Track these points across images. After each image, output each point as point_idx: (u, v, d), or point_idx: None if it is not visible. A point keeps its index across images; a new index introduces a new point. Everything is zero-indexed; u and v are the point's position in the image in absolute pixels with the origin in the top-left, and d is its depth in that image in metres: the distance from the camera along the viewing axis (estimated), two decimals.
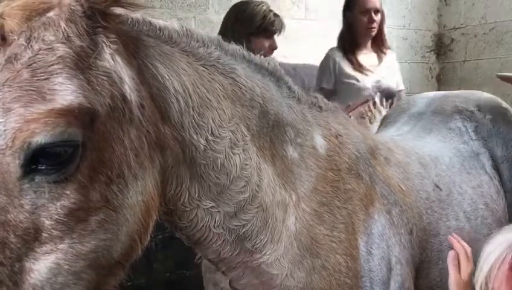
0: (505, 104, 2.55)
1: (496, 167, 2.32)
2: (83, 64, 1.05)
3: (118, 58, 1.13)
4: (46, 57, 1.02)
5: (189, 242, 1.42)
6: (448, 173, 2.13)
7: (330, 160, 1.62)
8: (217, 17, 3.63)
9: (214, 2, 4.44)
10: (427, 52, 5.94)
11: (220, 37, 1.45)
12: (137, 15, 1.27)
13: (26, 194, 0.98)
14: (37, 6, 1.07)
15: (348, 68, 3.79)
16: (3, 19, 1.04)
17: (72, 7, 1.08)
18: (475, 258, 1.55)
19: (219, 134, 1.32)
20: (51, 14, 1.07)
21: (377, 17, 3.78)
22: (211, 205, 1.34)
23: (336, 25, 4.27)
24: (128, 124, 1.12)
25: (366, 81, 3.75)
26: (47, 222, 0.99)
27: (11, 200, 0.97)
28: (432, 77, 5.96)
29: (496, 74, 3.03)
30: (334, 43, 4.04)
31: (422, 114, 2.54)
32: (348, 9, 3.89)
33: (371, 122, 3.61)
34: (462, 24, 5.75)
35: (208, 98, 1.32)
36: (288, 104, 1.57)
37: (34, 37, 1.03)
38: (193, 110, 1.28)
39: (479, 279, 1.42)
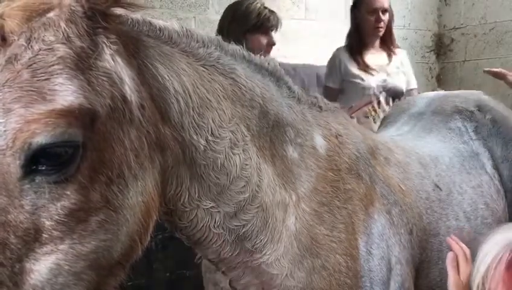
0: (504, 104, 2.55)
1: (496, 167, 2.32)
2: (83, 64, 1.05)
3: (118, 59, 1.13)
4: (47, 57, 1.02)
5: (189, 242, 1.42)
6: (448, 173, 2.13)
7: (330, 160, 1.62)
8: (217, 17, 3.63)
9: (214, 2, 4.45)
10: (427, 52, 5.94)
11: (219, 38, 1.45)
12: (137, 15, 1.27)
13: (27, 195, 0.98)
14: (37, 6, 1.07)
15: (353, 67, 3.79)
16: (4, 19, 1.04)
17: (73, 8, 1.08)
18: (474, 259, 1.55)
19: (219, 134, 1.32)
20: (51, 14, 1.07)
21: (385, 17, 3.77)
22: (210, 205, 1.34)
23: (336, 25, 4.27)
24: (128, 125, 1.12)
25: (371, 81, 3.75)
26: (47, 223, 0.99)
27: (11, 201, 0.97)
28: (432, 77, 5.96)
29: (483, 69, 3.01)
30: (334, 43, 4.05)
31: (422, 114, 2.54)
32: (355, 8, 3.89)
33: (375, 122, 3.61)
34: (462, 24, 5.75)
35: (207, 98, 1.32)
36: (288, 104, 1.57)
37: (34, 38, 1.03)
38: (193, 110, 1.28)
39: (476, 279, 1.42)
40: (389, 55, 3.89)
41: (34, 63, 1.00)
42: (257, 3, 3.23)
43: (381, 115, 3.63)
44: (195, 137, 1.28)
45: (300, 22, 5.02)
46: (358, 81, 3.77)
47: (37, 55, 1.01)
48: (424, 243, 1.85)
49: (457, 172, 2.17)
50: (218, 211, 1.35)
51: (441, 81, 5.74)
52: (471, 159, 2.28)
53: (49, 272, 0.99)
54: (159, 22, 1.33)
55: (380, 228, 1.66)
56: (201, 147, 1.29)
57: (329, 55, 4.04)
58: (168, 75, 1.25)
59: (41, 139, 0.96)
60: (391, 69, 3.85)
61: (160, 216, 1.27)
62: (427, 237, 1.87)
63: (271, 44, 3.29)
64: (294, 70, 4.21)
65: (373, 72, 3.77)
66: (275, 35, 3.32)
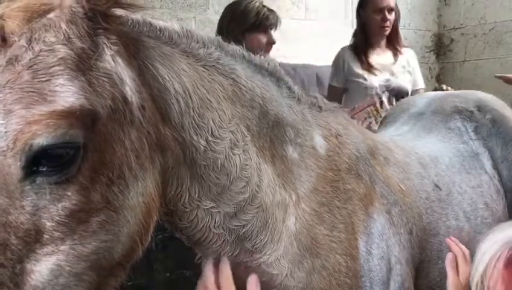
0: (504, 104, 2.55)
1: (496, 167, 2.32)
2: (83, 65, 1.05)
3: (119, 60, 1.13)
4: (47, 58, 1.02)
5: (190, 242, 1.43)
6: (448, 172, 2.14)
7: (330, 160, 1.62)
8: (217, 17, 3.64)
9: (214, 2, 4.45)
10: (427, 52, 5.95)
11: (219, 38, 1.46)
12: (137, 16, 1.27)
13: (28, 196, 0.98)
14: (38, 7, 1.07)
15: (356, 67, 3.80)
16: (4, 20, 1.04)
17: (73, 9, 1.08)
18: (473, 259, 1.55)
19: (219, 135, 1.33)
20: (51, 15, 1.07)
21: (391, 16, 3.77)
22: (211, 205, 1.34)
23: (336, 25, 4.28)
24: (129, 126, 1.12)
25: (374, 80, 3.75)
26: (48, 224, 0.99)
27: (12, 202, 0.97)
28: (432, 77, 5.97)
29: (495, 74, 3.02)
30: (334, 43, 4.06)
31: (422, 114, 2.54)
32: (361, 8, 3.89)
33: (376, 122, 3.61)
34: (461, 24, 5.76)
35: (208, 98, 1.32)
36: (288, 105, 1.57)
37: (35, 39, 1.03)
38: (193, 111, 1.28)
39: (475, 277, 1.42)
40: (395, 55, 3.89)
41: (35, 64, 1.00)
42: (256, 2, 3.23)
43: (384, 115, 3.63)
44: (195, 137, 1.29)
45: (300, 22, 5.03)
46: (361, 80, 3.77)
47: (38, 56, 1.01)
48: (423, 243, 1.85)
49: (457, 172, 2.18)
50: (218, 211, 1.35)
51: (441, 81, 5.74)
52: (471, 159, 2.28)
53: (50, 272, 0.99)
54: (159, 23, 1.33)
55: (380, 228, 1.66)
56: (202, 147, 1.30)
57: (329, 55, 4.04)
58: (168, 76, 1.25)
59: (42, 140, 0.96)
60: (396, 68, 3.85)
61: (160, 217, 1.27)
62: (426, 237, 1.87)
63: (271, 43, 3.28)
64: (294, 70, 4.22)
65: (376, 72, 3.77)
66: (275, 34, 3.32)
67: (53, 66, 1.01)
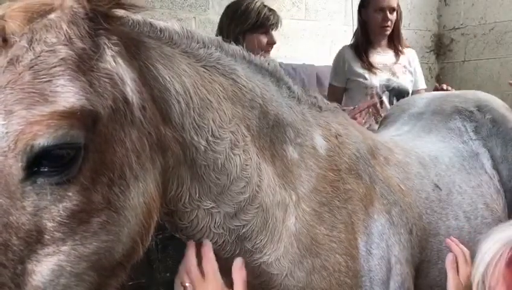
0: (504, 104, 2.55)
1: (496, 167, 2.32)
2: (84, 66, 1.05)
3: (120, 60, 1.13)
4: (48, 59, 1.01)
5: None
6: (448, 172, 2.14)
7: (330, 160, 1.63)
8: (217, 17, 3.64)
9: (214, 2, 4.45)
10: (427, 52, 5.95)
11: (220, 38, 1.46)
12: (138, 16, 1.28)
13: (29, 197, 0.98)
14: (39, 8, 1.07)
15: (357, 66, 3.78)
16: (5, 20, 1.04)
17: (74, 9, 1.08)
18: (473, 260, 1.55)
19: (219, 135, 1.33)
20: (52, 16, 1.07)
21: (392, 16, 3.75)
22: (211, 205, 1.34)
23: (336, 25, 4.27)
24: (129, 126, 1.12)
25: (374, 80, 3.73)
26: (49, 224, 0.99)
27: (13, 203, 0.97)
28: (432, 77, 5.97)
29: (509, 81, 3.01)
30: (334, 43, 4.06)
31: (422, 114, 2.54)
32: (363, 6, 3.87)
33: (377, 122, 3.60)
34: (461, 24, 5.76)
35: (208, 99, 1.32)
36: (288, 105, 1.57)
37: (36, 39, 1.03)
38: (194, 111, 1.28)
39: (476, 277, 1.42)
40: (397, 54, 3.87)
41: (36, 65, 1.00)
42: (257, 2, 3.20)
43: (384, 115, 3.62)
44: (195, 138, 1.29)
45: (300, 22, 5.03)
46: (361, 80, 3.75)
47: (39, 56, 1.01)
48: (423, 243, 1.86)
49: (457, 172, 2.18)
50: (219, 212, 1.35)
51: (441, 81, 5.73)
52: (471, 159, 2.28)
53: (51, 273, 0.99)
54: (160, 23, 1.33)
55: (380, 228, 1.66)
56: (202, 147, 1.30)
57: (329, 55, 4.04)
58: (169, 76, 1.25)
59: (43, 141, 0.96)
60: (398, 68, 3.83)
61: (160, 217, 1.27)
62: (426, 237, 1.88)
63: (271, 43, 3.26)
64: (294, 70, 4.22)
65: (377, 71, 3.75)
66: (275, 34, 3.31)
67: (54, 67, 1.01)
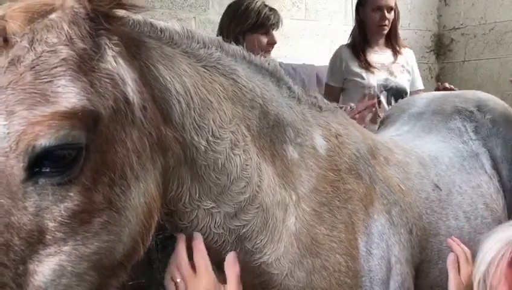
0: (504, 104, 2.55)
1: (496, 167, 2.32)
2: (85, 66, 1.05)
3: (121, 60, 1.13)
4: (49, 59, 1.01)
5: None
6: (448, 172, 2.14)
7: (330, 160, 1.63)
8: (217, 17, 3.64)
9: (214, 2, 4.45)
10: (427, 52, 5.96)
11: (220, 38, 1.46)
12: (138, 16, 1.28)
13: (30, 197, 0.98)
14: (40, 8, 1.07)
15: (354, 66, 3.77)
16: (6, 21, 1.04)
17: (75, 9, 1.08)
18: (474, 259, 1.55)
19: (220, 135, 1.33)
20: (53, 16, 1.07)
21: (390, 15, 3.74)
22: (211, 205, 1.34)
23: (336, 25, 4.27)
24: (130, 126, 1.12)
25: (371, 79, 3.72)
26: (51, 224, 0.99)
27: (15, 203, 0.97)
28: (432, 77, 5.97)
29: (510, 78, 3.00)
30: (334, 43, 4.05)
31: (422, 114, 2.54)
32: (360, 5, 3.86)
33: (375, 123, 3.59)
34: (461, 24, 5.76)
35: (208, 99, 1.32)
36: (288, 105, 1.58)
37: (37, 40, 1.03)
38: (194, 111, 1.29)
39: (477, 276, 1.42)
40: (394, 54, 3.86)
41: (37, 65, 1.00)
42: (257, 1, 3.18)
43: (382, 115, 3.61)
44: (196, 138, 1.29)
45: (300, 22, 5.04)
46: (359, 79, 3.74)
47: (40, 57, 1.01)
48: (423, 243, 1.86)
49: (457, 172, 2.18)
50: (219, 212, 1.36)
51: (441, 81, 5.74)
52: (471, 159, 2.29)
53: (52, 273, 0.99)
54: (160, 23, 1.33)
55: (380, 228, 1.66)
56: (202, 147, 1.30)
57: (329, 55, 4.03)
58: (169, 77, 1.25)
59: (45, 141, 0.96)
60: (396, 67, 3.82)
61: (161, 217, 1.27)
62: (426, 237, 1.88)
63: (272, 43, 3.24)
64: (294, 70, 4.22)
65: (374, 71, 3.73)
66: (275, 34, 3.30)
67: (55, 67, 1.01)
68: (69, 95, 1.00)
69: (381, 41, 3.85)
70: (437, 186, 2.03)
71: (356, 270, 1.57)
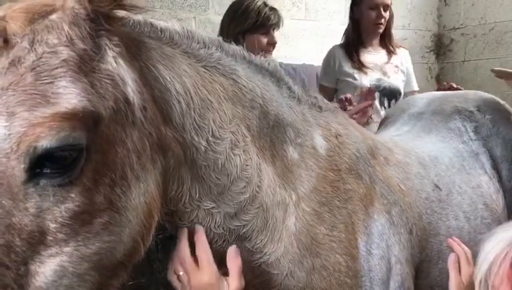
0: (504, 104, 2.55)
1: (496, 167, 2.32)
2: (86, 67, 1.05)
3: (121, 61, 1.13)
4: (50, 60, 1.02)
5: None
6: (448, 173, 2.14)
7: (330, 160, 1.63)
8: (217, 17, 3.64)
9: (214, 2, 4.46)
10: (427, 52, 5.96)
11: (220, 38, 1.46)
12: (138, 16, 1.28)
13: (31, 198, 0.98)
14: (40, 9, 1.07)
15: (347, 66, 3.72)
16: (6, 21, 1.04)
17: (75, 10, 1.08)
18: (475, 259, 1.55)
19: (220, 135, 1.33)
20: (53, 17, 1.07)
21: (386, 14, 3.70)
22: (211, 205, 1.34)
23: (335, 25, 4.27)
24: (130, 127, 1.12)
25: (364, 80, 3.67)
26: (52, 225, 0.99)
27: (16, 204, 0.97)
28: (432, 77, 5.98)
29: (492, 68, 2.99)
30: (334, 43, 4.03)
31: (422, 114, 2.54)
32: (355, 4, 3.81)
33: (367, 123, 3.57)
34: (461, 24, 5.76)
35: (209, 99, 1.32)
36: (288, 105, 1.58)
37: (38, 40, 1.03)
38: (194, 111, 1.29)
39: (479, 276, 1.42)
40: (388, 54, 3.81)
41: (38, 66, 1.00)
42: (257, 1, 3.16)
43: (374, 117, 3.58)
44: (196, 138, 1.29)
45: (300, 22, 5.04)
46: (351, 80, 3.68)
47: (41, 58, 1.01)
48: (423, 243, 1.86)
49: (456, 172, 2.18)
50: (219, 212, 1.36)
51: (441, 81, 5.74)
52: (471, 159, 2.29)
53: (53, 274, 0.99)
54: (160, 23, 1.33)
55: (380, 228, 1.66)
56: (202, 148, 1.30)
57: None
58: (169, 77, 1.25)
59: (46, 142, 0.96)
60: (389, 68, 3.77)
61: (161, 217, 1.27)
62: (426, 237, 1.88)
63: (272, 43, 3.23)
64: (294, 70, 4.21)
65: (367, 71, 3.68)
66: (275, 34, 3.28)
67: (56, 68, 1.01)
68: (70, 96, 1.00)
69: (375, 41, 3.80)
70: (437, 187, 2.03)
71: (356, 270, 1.57)
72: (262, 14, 3.13)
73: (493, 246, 1.42)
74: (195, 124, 1.29)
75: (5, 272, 0.94)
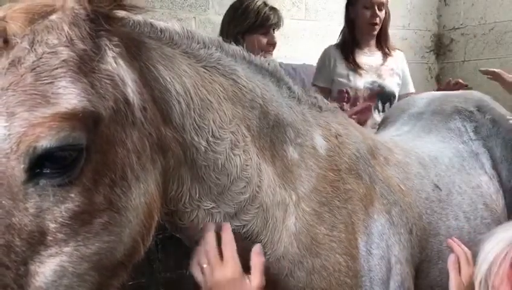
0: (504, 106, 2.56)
1: (495, 167, 2.32)
2: (86, 67, 1.05)
3: (121, 61, 1.13)
4: (50, 60, 1.02)
5: (190, 243, 1.43)
6: (448, 173, 2.14)
7: (330, 160, 1.63)
8: (217, 17, 3.64)
9: (214, 2, 4.45)
10: (427, 52, 5.95)
11: (220, 38, 1.46)
12: (138, 17, 1.28)
13: (31, 198, 0.98)
14: (40, 9, 1.07)
15: (341, 67, 3.68)
16: (6, 22, 1.04)
17: (75, 10, 1.08)
18: (475, 259, 1.55)
19: (220, 135, 1.33)
20: (53, 17, 1.07)
21: (381, 13, 3.64)
22: (211, 205, 1.34)
23: (335, 25, 4.26)
24: (130, 127, 1.12)
25: (358, 81, 3.63)
26: (52, 225, 0.99)
27: (16, 204, 0.97)
28: (432, 77, 5.97)
29: (479, 68, 2.99)
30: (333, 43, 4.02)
31: (421, 114, 2.54)
32: (350, 4, 3.76)
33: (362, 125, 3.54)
34: (461, 24, 5.76)
35: (208, 99, 1.33)
36: (288, 105, 1.58)
37: (38, 41, 1.03)
38: (194, 112, 1.29)
39: (479, 276, 1.42)
40: (384, 56, 3.76)
41: (38, 67, 1.00)
42: (257, 1, 3.15)
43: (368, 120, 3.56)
44: (196, 138, 1.29)
45: (300, 22, 5.04)
46: (345, 81, 3.64)
47: (41, 58, 1.01)
48: (423, 243, 1.86)
49: (456, 172, 2.18)
50: (219, 212, 1.36)
51: (441, 81, 5.74)
52: (471, 159, 2.29)
53: (53, 274, 0.99)
54: (160, 24, 1.33)
55: (380, 228, 1.66)
56: (202, 148, 1.30)
57: None
58: (169, 77, 1.26)
59: (46, 143, 0.96)
60: (384, 70, 3.72)
61: (161, 217, 1.28)
62: (426, 237, 1.88)
63: (272, 43, 3.21)
64: (294, 70, 4.19)
65: (362, 73, 3.64)
66: (276, 34, 3.27)
67: (56, 69, 1.01)
68: (70, 96, 1.00)
69: (372, 42, 3.75)
70: (437, 187, 2.03)
71: (356, 270, 1.57)
72: (262, 14, 3.12)
73: (493, 246, 1.42)
74: (195, 124, 1.29)
75: (5, 272, 0.94)
